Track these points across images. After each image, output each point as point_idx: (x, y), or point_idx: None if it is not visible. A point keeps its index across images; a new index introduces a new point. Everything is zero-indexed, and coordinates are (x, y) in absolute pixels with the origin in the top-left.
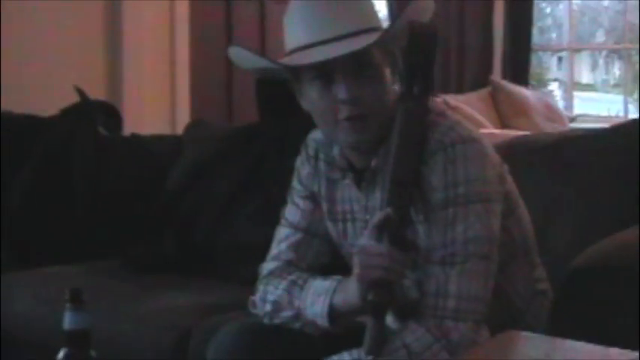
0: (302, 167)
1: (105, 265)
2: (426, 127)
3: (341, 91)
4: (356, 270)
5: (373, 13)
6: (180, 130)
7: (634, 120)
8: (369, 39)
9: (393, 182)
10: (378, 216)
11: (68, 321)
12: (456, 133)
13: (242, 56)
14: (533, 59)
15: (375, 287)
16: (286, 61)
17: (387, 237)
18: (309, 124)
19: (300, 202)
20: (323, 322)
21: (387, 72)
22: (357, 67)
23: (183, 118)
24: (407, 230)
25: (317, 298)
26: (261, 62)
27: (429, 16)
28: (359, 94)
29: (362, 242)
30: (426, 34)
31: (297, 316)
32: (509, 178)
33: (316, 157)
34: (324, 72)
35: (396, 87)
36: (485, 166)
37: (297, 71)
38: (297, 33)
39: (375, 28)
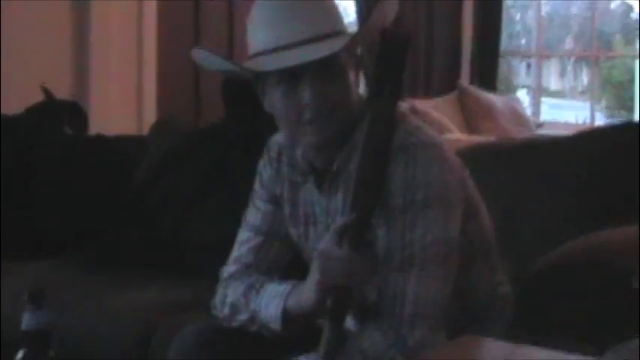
0: (264, 170)
1: (70, 261)
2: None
3: (306, 95)
4: (315, 275)
5: (338, 16)
6: (147, 130)
7: (596, 128)
8: (334, 43)
9: (359, 185)
10: (340, 220)
11: (27, 322)
12: (416, 138)
13: (204, 57)
14: (503, 65)
15: (334, 292)
16: (251, 65)
17: (349, 241)
18: (274, 124)
19: (262, 205)
20: (276, 325)
21: (352, 74)
22: (322, 70)
23: (150, 118)
24: (368, 234)
25: (271, 301)
26: (224, 65)
27: (393, 16)
28: (324, 96)
29: (322, 246)
30: (397, 40)
31: (252, 319)
32: (470, 183)
33: (278, 160)
34: (289, 76)
35: (360, 89)
36: (445, 170)
37: (260, 74)
38: (262, 36)
39: (340, 32)
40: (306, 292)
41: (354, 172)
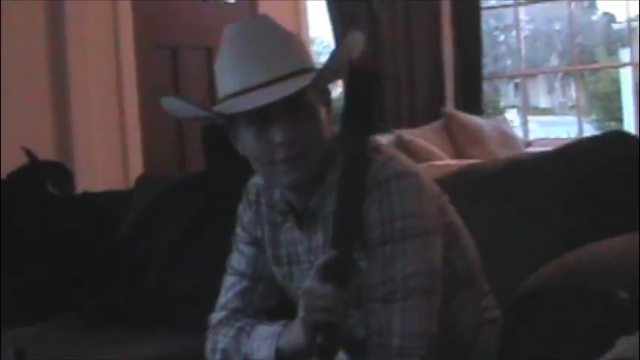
0: (244, 213)
1: (57, 323)
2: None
3: (277, 135)
4: (301, 313)
5: (305, 53)
6: (133, 183)
7: (577, 140)
8: (301, 81)
9: (337, 222)
10: (322, 258)
11: None
12: (391, 169)
13: (176, 106)
14: (490, 87)
15: (321, 330)
16: (219, 108)
17: (331, 278)
18: (251, 171)
19: (245, 249)
20: None
21: (322, 111)
22: (291, 109)
23: (136, 172)
24: (350, 270)
25: (263, 343)
26: (194, 111)
27: (359, 49)
28: (295, 135)
29: (307, 285)
30: (365, 74)
31: None
32: (450, 209)
33: (257, 202)
34: (259, 117)
35: (332, 125)
36: (422, 199)
37: (232, 117)
38: (229, 79)
39: (308, 69)
40: (295, 331)
41: (331, 209)
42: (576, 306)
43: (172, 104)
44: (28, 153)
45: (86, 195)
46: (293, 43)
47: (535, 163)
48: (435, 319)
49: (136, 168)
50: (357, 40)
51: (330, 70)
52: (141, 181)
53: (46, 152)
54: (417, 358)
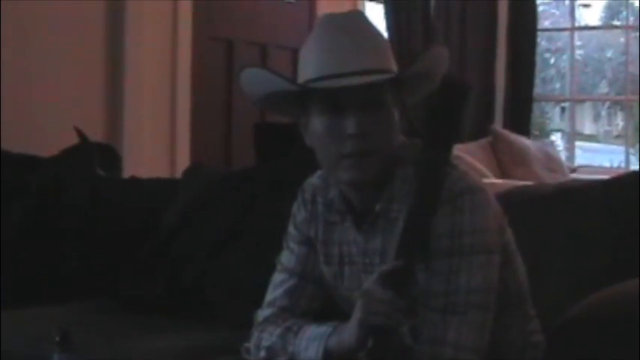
0: (298, 212)
1: (95, 306)
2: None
3: (350, 126)
4: (358, 314)
5: (389, 56)
6: (179, 174)
7: (631, 172)
8: (384, 77)
9: (408, 232)
10: (389, 265)
11: None
12: (465, 183)
13: (255, 80)
14: (536, 109)
15: (375, 333)
16: (305, 84)
17: (393, 285)
18: (305, 169)
19: (296, 248)
20: None
21: (396, 115)
22: (368, 103)
23: (183, 161)
24: (411, 280)
25: (311, 343)
26: (277, 83)
27: (443, 67)
28: (367, 130)
29: (367, 287)
30: (457, 89)
31: None
32: (508, 230)
33: (313, 202)
34: (335, 105)
35: (400, 135)
36: (489, 217)
37: (306, 103)
38: (314, 64)
39: (390, 71)
40: (346, 333)
41: (395, 214)
42: (624, 337)
43: (251, 77)
44: (80, 133)
45: (133, 180)
46: (382, 42)
47: (586, 190)
48: (488, 336)
49: (183, 159)
50: (442, 54)
51: (413, 75)
52: (188, 172)
53: (96, 134)
54: None
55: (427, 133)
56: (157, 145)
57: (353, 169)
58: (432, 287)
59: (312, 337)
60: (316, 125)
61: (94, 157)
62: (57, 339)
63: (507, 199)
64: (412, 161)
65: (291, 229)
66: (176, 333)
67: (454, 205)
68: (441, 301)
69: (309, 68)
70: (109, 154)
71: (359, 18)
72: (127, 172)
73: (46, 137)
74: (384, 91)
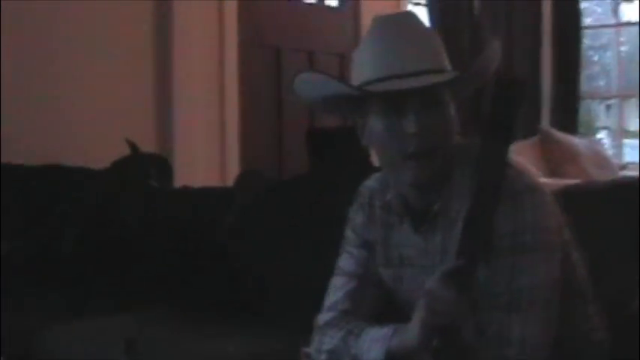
0: (355, 216)
1: (156, 314)
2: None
3: (410, 125)
4: (421, 313)
5: (443, 55)
6: (230, 181)
7: None
8: (442, 77)
9: (470, 230)
10: (451, 264)
11: None
12: (524, 182)
13: (311, 83)
14: (582, 107)
15: (440, 333)
16: (360, 86)
17: (456, 284)
18: (359, 174)
19: (354, 251)
20: None
21: (453, 112)
22: (426, 103)
23: (233, 171)
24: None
25: (374, 345)
26: (334, 86)
27: (498, 59)
28: (427, 128)
29: (430, 286)
30: (514, 84)
31: None
32: (567, 228)
33: (371, 205)
34: (393, 105)
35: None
36: (549, 215)
37: (363, 104)
38: (371, 65)
39: (445, 70)
40: (409, 333)
41: (454, 213)
42: None
43: (306, 81)
44: (131, 145)
45: (185, 189)
46: (436, 42)
47: None
48: (552, 333)
49: (234, 167)
50: (496, 50)
51: (470, 75)
52: (241, 178)
53: (147, 145)
54: None
55: (486, 130)
56: (207, 153)
57: (416, 169)
58: (494, 286)
59: (374, 339)
60: (376, 126)
61: (146, 168)
62: (123, 348)
63: (564, 196)
64: (470, 160)
65: (349, 232)
66: (237, 339)
67: (515, 203)
68: (505, 299)
69: (365, 69)
70: (160, 165)
71: (412, 18)
72: (179, 182)
73: (98, 150)
74: (443, 90)
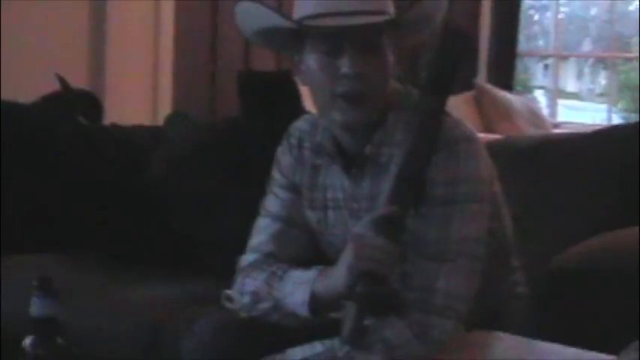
0: (282, 157)
1: (80, 255)
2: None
3: (345, 66)
4: (348, 258)
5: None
6: (161, 121)
7: (615, 125)
8: (380, 19)
9: (404, 179)
10: (381, 210)
11: (35, 308)
12: (460, 131)
13: (251, 14)
14: (519, 65)
15: (365, 278)
16: (300, 21)
17: (386, 232)
18: (290, 117)
19: (280, 192)
20: (303, 310)
21: (391, 59)
22: (365, 45)
23: (165, 109)
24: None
25: (297, 287)
26: (273, 19)
27: (441, 12)
28: (362, 71)
29: (358, 231)
30: (460, 34)
31: (276, 307)
32: (496, 181)
33: (300, 146)
34: (331, 44)
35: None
36: (481, 167)
37: (301, 40)
38: (310, 2)
39: (387, 14)
40: (336, 276)
41: (385, 159)
42: (608, 288)
43: (247, 11)
44: (62, 81)
45: (115, 127)
46: None
47: (572, 142)
48: (477, 285)
49: (165, 107)
50: (441, 1)
51: (411, 20)
52: (171, 119)
53: (79, 82)
54: (454, 320)
55: (427, 80)
56: (139, 92)
57: (347, 110)
58: (423, 234)
59: (298, 282)
60: (311, 63)
61: (76, 105)
62: (35, 285)
63: (492, 150)
64: (406, 107)
65: (275, 173)
66: (162, 283)
67: (449, 151)
68: (433, 249)
69: (306, 5)
70: (90, 102)
71: None
72: (109, 119)
73: (27, 83)
74: (381, 34)
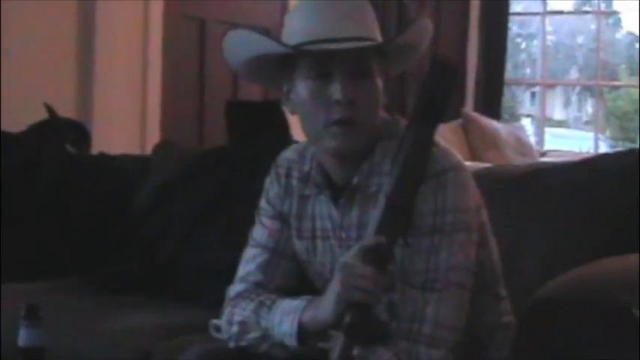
0: (271, 187)
1: (67, 283)
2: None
3: (337, 92)
4: (336, 287)
5: (376, 25)
6: (149, 151)
7: (602, 154)
8: (374, 43)
9: (392, 208)
10: (369, 239)
11: (23, 338)
12: (448, 161)
13: (243, 41)
14: (507, 93)
15: (353, 308)
16: (290, 46)
17: (374, 261)
18: (278, 147)
19: (268, 222)
20: (291, 341)
21: (381, 87)
22: (355, 71)
23: (153, 139)
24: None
25: (285, 317)
26: (266, 45)
27: (427, 39)
28: (354, 97)
29: (347, 261)
30: (448, 66)
31: (265, 337)
32: (484, 210)
33: (288, 175)
34: (322, 70)
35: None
36: (469, 196)
37: (290, 69)
38: (301, 29)
39: (375, 40)
40: (324, 306)
41: (374, 188)
42: (589, 320)
43: (238, 39)
44: (49, 109)
45: (103, 156)
46: (369, 11)
47: (557, 172)
48: (466, 314)
49: (154, 136)
50: (426, 25)
51: (399, 46)
52: (160, 148)
53: (66, 110)
54: (443, 350)
55: (415, 110)
56: (127, 122)
57: (338, 137)
58: (412, 264)
59: (286, 311)
60: (302, 91)
61: (64, 134)
62: (23, 314)
63: (478, 179)
64: (394, 136)
65: (263, 203)
66: (148, 312)
67: (437, 181)
68: (421, 278)
69: (296, 33)
70: (78, 131)
71: None
72: (96, 148)
73: (15, 112)
74: (371, 60)
